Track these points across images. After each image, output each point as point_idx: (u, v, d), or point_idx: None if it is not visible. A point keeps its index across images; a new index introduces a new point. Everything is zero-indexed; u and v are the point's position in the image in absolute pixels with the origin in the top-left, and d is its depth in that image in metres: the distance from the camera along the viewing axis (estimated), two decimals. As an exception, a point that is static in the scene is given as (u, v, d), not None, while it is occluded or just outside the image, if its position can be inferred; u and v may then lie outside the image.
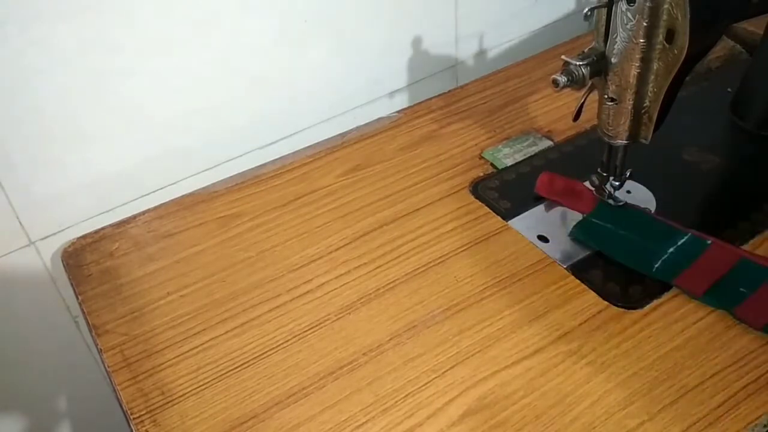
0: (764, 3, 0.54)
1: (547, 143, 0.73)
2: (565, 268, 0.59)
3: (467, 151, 0.73)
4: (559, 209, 0.65)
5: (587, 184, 0.64)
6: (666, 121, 0.56)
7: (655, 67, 0.52)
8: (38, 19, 0.58)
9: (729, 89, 0.77)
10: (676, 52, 0.50)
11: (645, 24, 0.50)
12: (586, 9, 0.52)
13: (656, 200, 0.64)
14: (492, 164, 0.71)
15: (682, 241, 0.58)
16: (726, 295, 0.54)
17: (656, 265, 0.57)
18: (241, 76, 0.71)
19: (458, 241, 0.63)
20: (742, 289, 0.54)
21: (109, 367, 0.55)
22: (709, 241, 0.58)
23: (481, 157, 0.72)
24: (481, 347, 0.54)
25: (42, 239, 0.68)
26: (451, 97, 0.81)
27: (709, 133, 0.73)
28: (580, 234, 0.61)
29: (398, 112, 0.80)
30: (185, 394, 0.52)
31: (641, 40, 0.51)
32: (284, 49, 0.73)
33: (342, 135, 0.77)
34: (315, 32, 0.73)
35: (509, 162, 0.71)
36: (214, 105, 0.71)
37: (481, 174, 0.70)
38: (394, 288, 0.59)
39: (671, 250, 0.58)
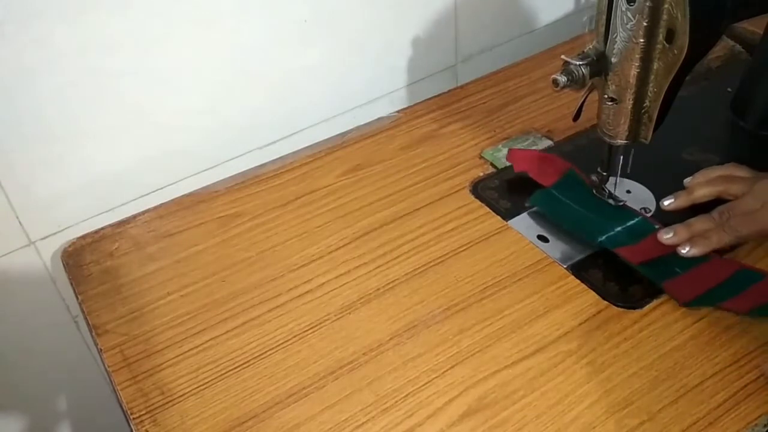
0: (764, 3, 0.54)
1: (547, 143, 0.73)
2: (565, 268, 0.59)
3: (467, 151, 0.73)
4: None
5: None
6: (666, 121, 0.56)
7: (655, 67, 0.52)
8: (38, 19, 0.58)
9: (729, 89, 0.77)
10: (676, 52, 0.50)
11: (645, 24, 0.50)
12: (585, 17, 0.52)
13: (656, 200, 0.64)
14: (492, 164, 0.71)
15: (632, 222, 0.61)
16: (660, 269, 0.57)
17: (601, 239, 0.60)
18: (241, 76, 0.71)
19: (458, 241, 0.63)
20: (676, 269, 0.57)
21: (109, 367, 0.55)
22: (657, 226, 0.60)
23: (481, 157, 0.72)
24: (481, 347, 0.54)
25: (42, 239, 0.68)
26: (451, 97, 0.81)
27: (709, 133, 0.73)
28: (536, 201, 0.65)
29: (398, 112, 0.80)
30: (185, 393, 0.52)
31: (641, 40, 0.51)
32: (284, 49, 0.73)
33: (342, 135, 0.77)
34: (315, 32, 0.73)
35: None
36: (214, 105, 0.71)
37: (481, 174, 0.70)
38: (394, 288, 0.59)
39: (618, 228, 0.61)
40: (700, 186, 0.62)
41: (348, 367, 0.53)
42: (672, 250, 0.58)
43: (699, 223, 0.58)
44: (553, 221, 0.63)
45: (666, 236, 0.58)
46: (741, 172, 0.61)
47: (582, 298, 0.57)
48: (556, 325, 0.55)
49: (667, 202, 0.62)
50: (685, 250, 0.57)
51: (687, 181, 0.63)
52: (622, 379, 0.51)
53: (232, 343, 0.56)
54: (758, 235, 0.57)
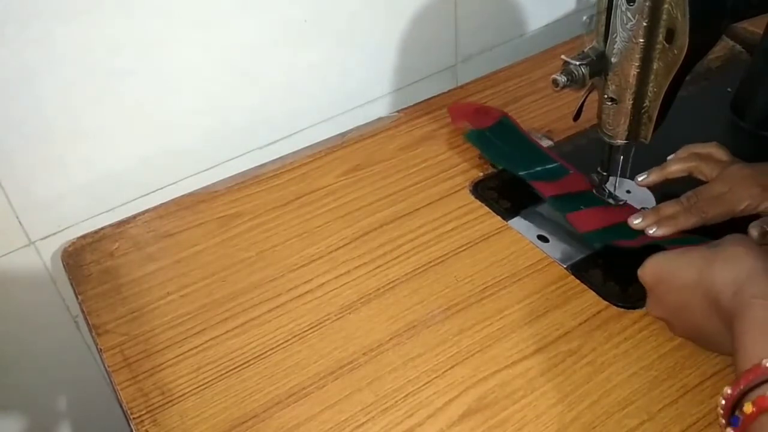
0: (764, 3, 0.54)
1: (547, 143, 0.73)
2: (565, 268, 0.59)
3: (467, 151, 0.73)
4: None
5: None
6: (666, 121, 0.56)
7: (655, 67, 0.52)
8: (38, 19, 0.58)
9: (729, 89, 0.77)
10: (676, 52, 0.50)
11: (645, 24, 0.50)
12: (585, 17, 0.52)
13: (656, 200, 0.64)
14: (492, 164, 0.71)
15: (550, 166, 0.68)
16: (566, 204, 0.63)
17: (522, 172, 0.67)
18: (241, 76, 0.71)
19: (458, 241, 0.63)
20: (581, 206, 0.63)
21: (109, 367, 0.55)
22: (570, 171, 0.67)
23: (481, 157, 0.72)
24: (481, 347, 0.54)
25: (42, 239, 0.68)
26: (451, 97, 0.81)
27: (709, 133, 0.73)
28: (470, 138, 0.72)
29: (398, 112, 0.80)
30: (185, 393, 0.52)
31: (641, 40, 0.51)
32: (284, 49, 0.73)
33: (342, 135, 0.77)
34: (315, 32, 0.73)
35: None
36: (213, 105, 0.71)
37: (481, 174, 0.70)
38: (394, 288, 0.59)
39: (538, 168, 0.67)
40: (674, 161, 0.63)
41: (348, 367, 0.53)
42: (578, 191, 0.64)
43: (667, 207, 0.59)
44: (484, 155, 0.70)
45: (635, 221, 0.59)
46: (720, 154, 0.62)
47: (582, 298, 0.57)
48: (556, 325, 0.55)
49: (641, 178, 0.64)
50: (651, 231, 0.58)
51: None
52: (622, 379, 0.51)
53: (232, 343, 0.56)
54: (724, 216, 0.58)
